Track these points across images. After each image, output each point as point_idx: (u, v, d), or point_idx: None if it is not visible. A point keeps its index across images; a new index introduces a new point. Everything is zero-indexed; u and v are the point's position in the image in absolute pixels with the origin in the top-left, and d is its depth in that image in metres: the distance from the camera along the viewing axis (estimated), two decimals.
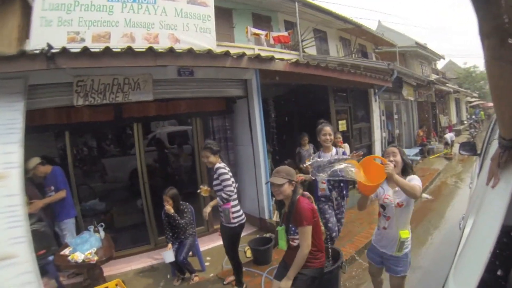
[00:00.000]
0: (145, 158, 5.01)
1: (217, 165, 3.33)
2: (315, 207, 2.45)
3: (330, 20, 11.45)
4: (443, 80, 17.98)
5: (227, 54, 4.28)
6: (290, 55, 8.95)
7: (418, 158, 10.72)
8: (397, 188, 2.41)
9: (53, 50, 3.27)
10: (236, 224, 3.33)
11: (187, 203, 4.12)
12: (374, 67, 8.05)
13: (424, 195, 7.20)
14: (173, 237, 3.99)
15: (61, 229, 4.03)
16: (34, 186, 4.10)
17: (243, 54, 4.49)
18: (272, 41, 9.24)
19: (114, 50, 3.53)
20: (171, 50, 3.79)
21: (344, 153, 3.65)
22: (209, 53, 4.10)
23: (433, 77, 16.47)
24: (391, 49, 14.68)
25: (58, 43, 3.55)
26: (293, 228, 2.38)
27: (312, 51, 10.92)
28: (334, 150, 3.63)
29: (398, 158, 2.51)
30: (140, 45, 3.97)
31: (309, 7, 10.28)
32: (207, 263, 4.39)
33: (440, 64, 29.01)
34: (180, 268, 3.88)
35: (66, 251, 3.49)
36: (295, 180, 2.42)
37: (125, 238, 5.25)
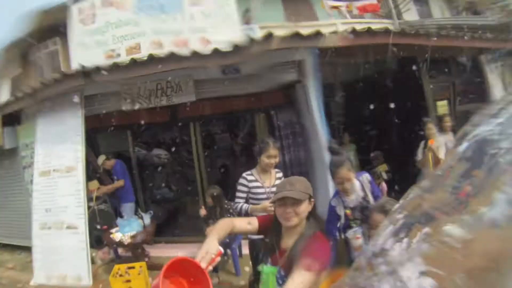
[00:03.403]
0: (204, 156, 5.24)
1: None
2: None
3: None
4: None
5: (251, 41, 3.88)
6: (383, 24, 7.58)
7: None
8: None
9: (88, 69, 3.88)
10: None
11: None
12: (485, 25, 5.94)
13: None
14: None
15: (122, 210, 4.78)
16: (108, 176, 5.00)
17: (270, 35, 3.86)
18: (356, 12, 8.05)
19: (138, 59, 3.82)
20: (193, 53, 3.81)
21: (371, 182, 2.49)
22: (216, 52, 3.80)
23: None
24: None
25: (97, 61, 4.14)
26: (282, 272, 1.48)
27: (413, 16, 9.04)
28: (357, 185, 2.42)
29: None
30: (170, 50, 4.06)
31: None
32: (247, 268, 3.99)
33: None
34: None
35: (113, 230, 4.18)
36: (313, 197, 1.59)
37: (187, 226, 5.57)
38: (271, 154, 2.78)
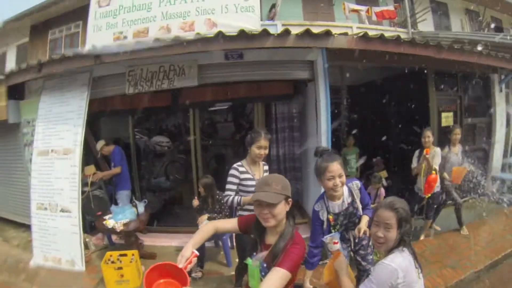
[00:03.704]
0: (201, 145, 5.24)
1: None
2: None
3: None
4: None
5: (266, 33, 3.80)
6: (398, 33, 7.50)
7: None
8: None
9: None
10: None
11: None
12: (502, 44, 5.83)
13: None
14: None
15: (117, 198, 4.72)
16: (106, 162, 5.00)
17: (287, 32, 3.87)
18: (375, 18, 7.94)
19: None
20: (198, 38, 3.76)
21: (361, 189, 2.40)
22: (241, 35, 3.74)
23: None
24: None
25: (106, 43, 4.16)
26: (264, 265, 1.62)
27: (429, 27, 8.97)
28: (346, 190, 2.34)
29: (392, 234, 1.62)
30: (175, 34, 4.02)
31: None
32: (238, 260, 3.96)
33: None
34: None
35: (106, 216, 4.15)
36: (291, 197, 1.65)
37: (182, 216, 5.57)
38: (262, 145, 2.74)
